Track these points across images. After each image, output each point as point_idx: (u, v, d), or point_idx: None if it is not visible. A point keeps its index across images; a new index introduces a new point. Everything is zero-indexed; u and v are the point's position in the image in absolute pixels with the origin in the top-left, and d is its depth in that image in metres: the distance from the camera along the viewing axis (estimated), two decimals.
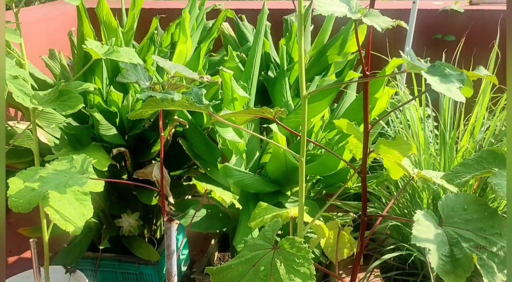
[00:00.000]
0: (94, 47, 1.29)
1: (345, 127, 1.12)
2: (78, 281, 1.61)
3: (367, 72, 0.93)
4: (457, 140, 1.62)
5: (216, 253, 2.05)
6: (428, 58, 1.06)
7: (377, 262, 1.56)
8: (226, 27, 2.24)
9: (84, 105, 1.25)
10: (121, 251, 1.88)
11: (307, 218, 1.23)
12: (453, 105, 1.65)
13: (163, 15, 2.06)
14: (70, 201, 1.12)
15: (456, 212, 0.90)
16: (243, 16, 2.32)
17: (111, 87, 1.51)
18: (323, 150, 1.61)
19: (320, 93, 1.59)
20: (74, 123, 1.55)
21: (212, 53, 2.13)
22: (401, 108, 1.68)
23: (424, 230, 0.84)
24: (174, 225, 1.13)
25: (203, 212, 1.61)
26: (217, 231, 1.76)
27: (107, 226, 1.84)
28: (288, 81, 2.02)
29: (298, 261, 0.96)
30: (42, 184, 1.01)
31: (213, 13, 2.30)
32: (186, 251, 2.25)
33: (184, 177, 1.96)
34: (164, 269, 1.98)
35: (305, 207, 1.35)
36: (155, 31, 2.09)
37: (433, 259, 0.80)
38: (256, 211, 1.31)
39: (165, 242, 1.14)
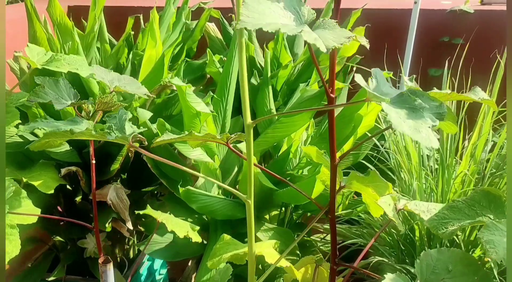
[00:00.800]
0: (36, 55, 1.13)
1: (314, 156, 0.94)
2: None
3: (331, 95, 0.75)
4: (460, 160, 1.43)
5: (194, 276, 1.89)
6: (413, 76, 0.87)
7: None
8: (212, 28, 2.07)
9: (20, 122, 1.08)
10: (88, 273, 1.73)
11: (271, 257, 1.05)
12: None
13: (138, 15, 1.89)
14: None
15: (438, 275, 0.72)
16: (233, 16, 2.14)
17: None
18: (305, 170, 1.43)
19: (300, 105, 1.41)
20: (32, 138, 1.39)
21: (187, 59, 1.96)
22: None
23: None
24: (111, 268, 0.97)
25: (169, 237, 1.44)
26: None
27: (71, 247, 1.68)
28: (273, 89, 1.84)
29: None
30: None
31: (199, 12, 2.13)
32: (164, 270, 2.09)
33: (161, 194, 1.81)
34: None
35: (275, 241, 1.17)
36: (132, 32, 1.93)
37: None
38: (217, 246, 1.14)
39: None
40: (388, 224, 0.96)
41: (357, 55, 1.90)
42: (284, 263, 1.06)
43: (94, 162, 0.95)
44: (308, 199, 1.27)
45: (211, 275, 1.23)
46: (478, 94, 0.79)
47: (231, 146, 0.90)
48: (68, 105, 0.86)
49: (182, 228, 1.10)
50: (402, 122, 0.50)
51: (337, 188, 0.88)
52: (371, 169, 1.54)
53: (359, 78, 0.54)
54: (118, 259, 1.86)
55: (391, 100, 0.54)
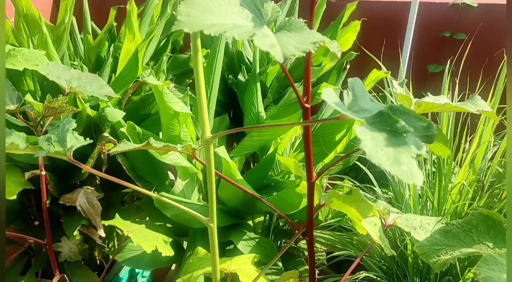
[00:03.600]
0: None
1: (292, 168, 0.84)
2: None
3: (306, 105, 0.65)
4: (459, 167, 1.33)
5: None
6: (405, 80, 0.77)
7: None
8: None
9: None
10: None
11: (247, 275, 0.96)
12: (454, 118, 1.35)
13: (122, 6, 1.78)
14: None
15: None
16: None
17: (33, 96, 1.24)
18: (292, 175, 1.34)
19: (287, 108, 1.30)
20: None
21: (170, 54, 1.85)
22: None
23: None
24: None
25: None
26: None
27: (46, 250, 1.60)
28: (263, 86, 1.74)
29: None
30: None
31: None
32: (148, 272, 2.01)
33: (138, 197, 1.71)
34: None
35: (254, 255, 1.08)
36: (115, 24, 1.83)
37: None
38: (190, 261, 1.05)
39: None
40: (371, 245, 0.87)
41: (352, 52, 1.79)
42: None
43: (43, 173, 0.85)
44: (296, 207, 1.18)
45: None
46: (477, 104, 0.69)
47: (197, 156, 0.81)
48: (6, 112, 0.76)
49: (150, 241, 1.01)
50: (379, 151, 0.40)
51: (315, 205, 0.78)
52: (365, 171, 1.45)
53: (327, 95, 0.44)
54: (98, 262, 1.77)
55: (367, 121, 0.44)
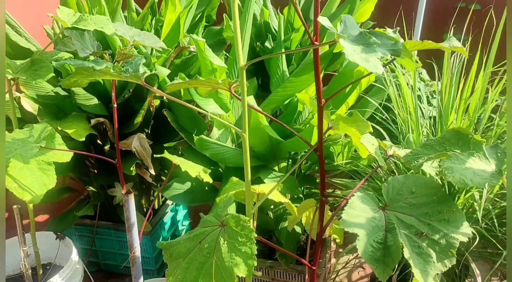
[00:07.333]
0: (66, 15, 1.27)
1: (308, 102, 1.05)
2: (67, 247, 1.65)
3: (315, 42, 0.86)
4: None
5: None
6: (398, 28, 0.97)
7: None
8: None
9: (53, 75, 1.24)
10: (119, 219, 1.92)
11: (272, 195, 1.18)
12: (458, 74, 1.52)
13: None
14: (33, 170, 1.12)
15: (402, 195, 0.83)
16: None
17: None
18: (308, 125, 1.55)
19: (307, 66, 1.51)
20: (62, 93, 1.56)
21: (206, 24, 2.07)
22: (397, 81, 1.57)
23: (357, 214, 0.77)
24: (132, 198, 1.12)
25: (187, 185, 1.60)
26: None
27: (102, 194, 1.87)
28: (287, 54, 1.94)
29: (240, 240, 0.93)
30: None
31: None
32: (187, 222, 2.27)
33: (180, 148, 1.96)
34: (160, 238, 2.01)
35: (281, 185, 1.30)
36: (156, 0, 2.06)
37: (361, 245, 0.74)
38: (226, 186, 1.28)
39: (125, 214, 1.14)
40: (377, 167, 1.07)
41: (369, 21, 1.98)
42: (282, 199, 1.19)
43: (115, 105, 1.09)
44: (308, 146, 1.39)
45: None
46: (451, 43, 0.89)
47: (233, 91, 1.03)
48: (90, 54, 1.00)
49: (194, 169, 1.24)
50: (355, 55, 0.61)
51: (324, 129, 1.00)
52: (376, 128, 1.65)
53: (324, 21, 0.65)
54: (144, 209, 2.04)
55: (351, 38, 0.65)
